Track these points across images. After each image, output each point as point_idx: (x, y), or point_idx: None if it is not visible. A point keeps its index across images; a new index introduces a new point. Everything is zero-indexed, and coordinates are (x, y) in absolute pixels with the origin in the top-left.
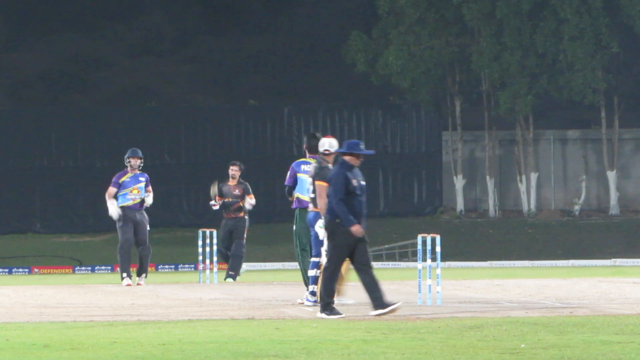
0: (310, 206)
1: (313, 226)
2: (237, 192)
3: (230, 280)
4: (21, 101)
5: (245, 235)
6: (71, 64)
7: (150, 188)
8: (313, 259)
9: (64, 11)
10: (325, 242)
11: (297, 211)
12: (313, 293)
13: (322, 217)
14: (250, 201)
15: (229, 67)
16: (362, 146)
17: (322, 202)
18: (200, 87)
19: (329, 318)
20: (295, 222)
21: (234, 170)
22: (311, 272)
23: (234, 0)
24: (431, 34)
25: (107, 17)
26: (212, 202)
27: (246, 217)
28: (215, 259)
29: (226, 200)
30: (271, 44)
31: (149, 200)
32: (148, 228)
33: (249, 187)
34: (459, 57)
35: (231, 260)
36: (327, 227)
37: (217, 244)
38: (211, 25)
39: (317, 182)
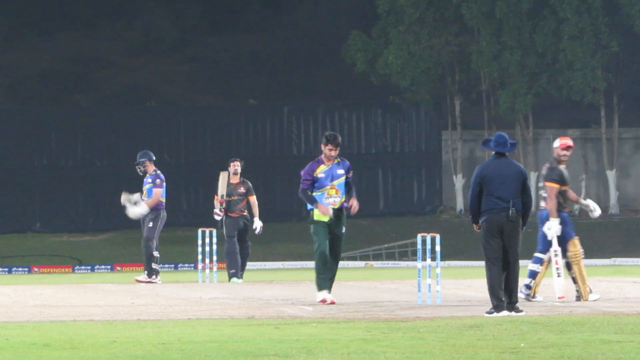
0: (544, 204)
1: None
2: (242, 190)
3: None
4: (21, 101)
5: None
6: (71, 64)
7: (150, 201)
8: (537, 255)
9: (64, 11)
10: (554, 242)
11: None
12: (528, 286)
13: (551, 219)
14: (258, 223)
15: (228, 66)
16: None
17: (552, 204)
18: (200, 87)
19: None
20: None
21: (236, 166)
22: (532, 267)
23: (234, 0)
24: (431, 33)
25: (107, 17)
26: (217, 211)
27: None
28: (215, 258)
29: (232, 199)
30: (271, 44)
31: (134, 210)
32: (150, 225)
33: (251, 185)
34: (458, 56)
35: (243, 259)
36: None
37: (230, 247)
38: (211, 24)
39: (547, 184)
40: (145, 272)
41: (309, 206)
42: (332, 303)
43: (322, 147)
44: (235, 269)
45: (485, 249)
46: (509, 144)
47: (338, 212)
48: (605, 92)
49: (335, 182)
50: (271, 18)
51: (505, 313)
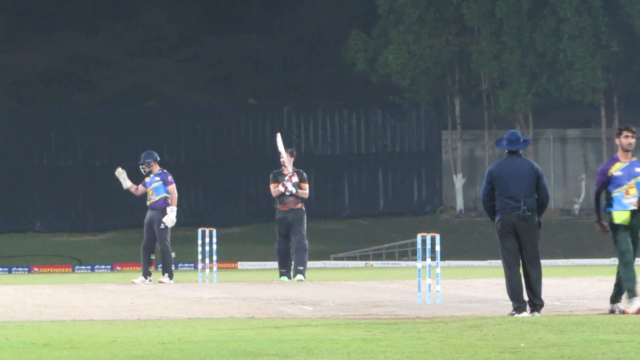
0: None
1: None
2: (296, 180)
3: (300, 277)
4: (21, 101)
5: (305, 227)
6: (71, 64)
7: (173, 201)
8: None
9: (64, 11)
10: None
11: None
12: None
13: None
14: (303, 190)
15: (228, 66)
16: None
17: None
18: (200, 87)
19: None
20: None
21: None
22: None
23: (234, 0)
24: (431, 33)
25: (107, 17)
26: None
27: (303, 207)
28: (215, 258)
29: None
30: (271, 44)
31: (168, 219)
32: (162, 227)
33: (304, 175)
34: (458, 56)
35: (297, 254)
36: None
37: (278, 246)
38: (211, 25)
39: None
40: (166, 274)
41: (607, 209)
42: None
43: (617, 140)
44: (286, 268)
45: (502, 251)
46: (521, 141)
47: (637, 212)
48: (605, 92)
49: (633, 181)
50: (271, 18)
51: (525, 314)
